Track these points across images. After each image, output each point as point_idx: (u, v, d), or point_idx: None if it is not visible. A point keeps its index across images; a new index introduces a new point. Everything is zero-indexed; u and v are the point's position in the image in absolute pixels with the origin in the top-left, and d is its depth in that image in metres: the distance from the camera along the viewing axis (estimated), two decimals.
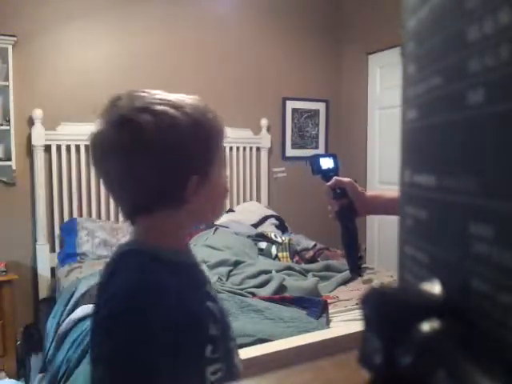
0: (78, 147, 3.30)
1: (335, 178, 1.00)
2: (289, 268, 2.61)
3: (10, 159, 3.06)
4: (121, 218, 3.46)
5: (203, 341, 0.67)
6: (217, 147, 0.73)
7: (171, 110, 0.67)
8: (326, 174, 1.02)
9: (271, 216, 3.64)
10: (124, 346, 0.60)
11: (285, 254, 3.00)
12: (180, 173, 0.69)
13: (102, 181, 0.73)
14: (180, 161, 0.68)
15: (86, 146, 3.34)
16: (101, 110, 0.71)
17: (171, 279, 0.67)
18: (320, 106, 4.27)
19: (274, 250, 3.02)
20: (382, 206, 1.00)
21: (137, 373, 0.59)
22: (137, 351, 0.59)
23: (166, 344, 0.61)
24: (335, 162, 1.04)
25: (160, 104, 0.67)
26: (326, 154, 1.06)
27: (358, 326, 1.23)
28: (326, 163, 1.04)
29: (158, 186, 0.68)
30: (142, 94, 0.69)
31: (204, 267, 2.25)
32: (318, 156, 1.05)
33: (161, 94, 0.69)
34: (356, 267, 1.01)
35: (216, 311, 0.73)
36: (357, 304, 2.12)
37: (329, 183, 1.00)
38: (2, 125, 3.05)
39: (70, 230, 3.19)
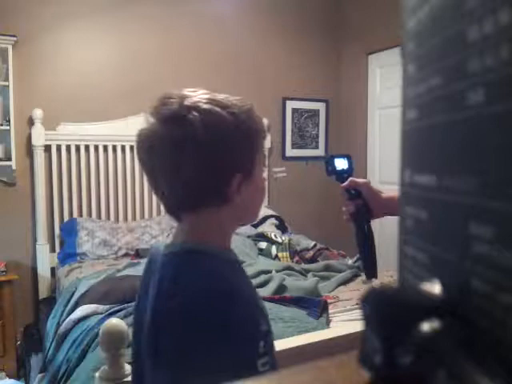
0: (77, 147, 3.31)
1: (350, 178, 0.99)
2: (289, 268, 2.61)
3: (10, 159, 3.06)
4: (121, 218, 3.46)
5: (259, 336, 0.69)
6: (259, 147, 0.77)
7: (219, 110, 0.70)
8: (340, 175, 1.01)
9: (271, 216, 3.64)
10: (214, 343, 0.62)
11: (285, 253, 3.00)
12: (225, 170, 0.71)
13: (147, 177, 0.75)
14: (226, 158, 0.71)
15: (86, 146, 3.34)
16: (150, 108, 0.73)
17: (237, 278, 0.72)
18: (320, 106, 4.27)
19: (274, 249, 3.02)
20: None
21: (218, 368, 0.60)
22: (226, 348, 0.62)
23: (242, 339, 0.65)
24: (349, 163, 1.03)
25: (208, 103, 0.70)
26: (341, 155, 1.05)
27: (357, 326, 1.23)
28: (341, 164, 1.03)
29: (204, 182, 0.71)
30: (191, 93, 0.72)
31: None
32: (332, 157, 1.04)
33: (209, 94, 0.73)
34: (372, 270, 0.99)
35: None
36: (357, 304, 2.12)
37: (344, 184, 0.99)
38: (1, 125, 3.05)
39: (70, 229, 3.19)
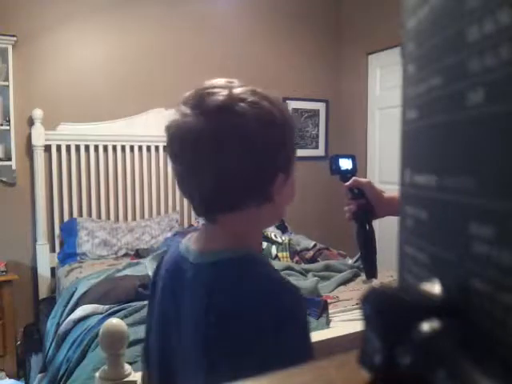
0: (77, 147, 3.31)
1: (354, 178, 0.99)
2: (289, 268, 2.61)
3: (10, 159, 3.06)
4: (121, 218, 3.46)
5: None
6: (295, 147, 0.73)
7: (266, 103, 0.66)
8: (344, 175, 1.02)
9: None
10: (292, 346, 0.62)
11: (285, 254, 3.00)
12: (272, 168, 0.68)
13: (178, 174, 0.69)
14: (275, 155, 0.67)
15: (86, 146, 3.34)
16: (185, 99, 0.67)
17: (285, 279, 0.70)
18: (320, 106, 4.27)
19: (273, 249, 3.02)
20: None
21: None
22: (300, 350, 0.62)
23: (308, 336, 0.66)
24: (353, 163, 1.04)
25: (255, 95, 0.66)
26: (345, 155, 1.05)
27: (357, 326, 1.23)
28: (345, 164, 1.03)
29: (251, 179, 0.66)
30: (234, 85, 0.67)
31: None
32: (337, 156, 1.04)
33: (248, 86, 0.68)
34: (372, 270, 1.00)
35: None
36: (357, 304, 2.12)
37: (347, 183, 0.99)
38: (2, 125, 3.05)
39: (70, 229, 3.19)
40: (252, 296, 0.64)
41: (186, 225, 3.66)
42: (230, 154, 0.64)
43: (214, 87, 0.66)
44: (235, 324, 0.63)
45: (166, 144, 0.70)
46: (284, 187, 0.70)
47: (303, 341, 0.64)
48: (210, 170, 0.66)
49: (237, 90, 0.65)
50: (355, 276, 2.57)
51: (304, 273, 2.61)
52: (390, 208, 0.98)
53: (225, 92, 0.65)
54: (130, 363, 1.10)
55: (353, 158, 1.05)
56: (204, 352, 0.65)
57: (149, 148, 3.53)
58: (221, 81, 0.68)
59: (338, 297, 2.28)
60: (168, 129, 0.69)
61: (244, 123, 0.64)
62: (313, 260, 3.00)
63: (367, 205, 0.98)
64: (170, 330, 0.74)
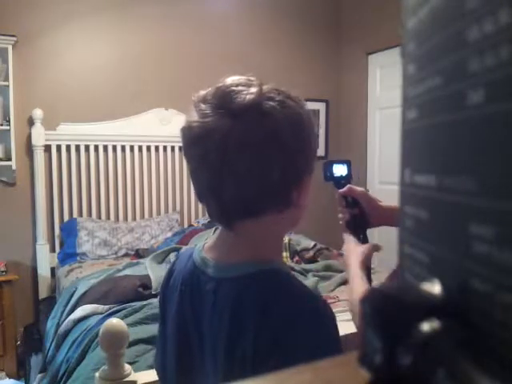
0: (77, 147, 3.31)
1: (348, 186, 0.96)
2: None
3: (10, 159, 3.06)
4: (121, 218, 3.46)
5: None
6: (316, 148, 0.69)
7: (292, 103, 0.63)
8: (338, 182, 0.99)
9: None
10: (324, 350, 0.60)
11: (285, 253, 3.00)
12: (299, 170, 0.64)
13: (197, 178, 0.65)
14: (300, 157, 0.63)
15: (86, 146, 3.34)
16: (203, 98, 0.63)
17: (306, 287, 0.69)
18: (320, 106, 4.27)
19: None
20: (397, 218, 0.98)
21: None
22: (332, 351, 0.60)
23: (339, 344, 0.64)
24: (348, 169, 1.01)
25: (280, 94, 0.63)
26: (340, 161, 1.02)
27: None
28: (339, 170, 1.00)
29: (279, 183, 0.62)
30: (257, 82, 0.63)
31: None
32: (331, 162, 1.01)
33: (270, 84, 0.64)
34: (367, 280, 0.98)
35: None
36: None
37: (341, 191, 0.96)
38: (2, 125, 3.05)
39: (70, 229, 3.19)
40: (288, 312, 0.62)
41: (186, 225, 3.66)
42: (257, 156, 0.60)
43: (238, 85, 0.62)
44: (284, 337, 0.60)
45: (183, 146, 0.66)
46: (306, 191, 0.67)
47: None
48: (234, 172, 0.61)
49: (263, 89, 0.62)
50: None
51: (304, 273, 2.61)
52: (385, 218, 0.95)
53: (252, 90, 0.61)
54: (130, 363, 1.10)
55: (348, 163, 1.02)
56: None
57: (149, 148, 3.53)
58: (241, 78, 0.64)
59: (337, 297, 2.27)
60: (187, 130, 0.64)
61: (273, 124, 0.60)
62: (313, 260, 3.00)
63: (361, 214, 0.95)
64: (190, 343, 0.71)
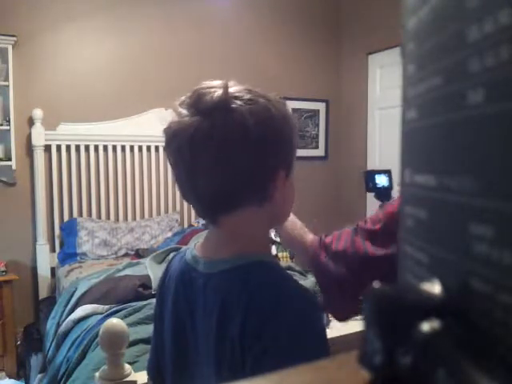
0: (77, 147, 3.31)
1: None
2: (289, 268, 2.61)
3: (10, 159, 3.06)
4: (121, 218, 3.46)
5: None
6: (296, 145, 0.73)
7: (263, 100, 0.67)
8: (380, 192, 0.99)
9: None
10: (318, 344, 0.63)
11: (285, 253, 3.00)
12: (272, 164, 0.68)
13: (178, 177, 0.69)
14: (272, 150, 0.67)
15: (86, 146, 3.34)
16: (182, 101, 0.68)
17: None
18: (320, 106, 4.28)
19: (273, 249, 3.01)
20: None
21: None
22: (323, 346, 0.64)
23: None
24: (389, 179, 1.01)
25: (250, 93, 0.67)
26: (381, 171, 1.02)
27: (358, 326, 1.23)
28: (381, 180, 1.00)
29: (252, 177, 0.66)
30: (230, 84, 0.67)
31: None
32: (373, 173, 1.01)
33: (245, 86, 0.68)
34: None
35: None
36: None
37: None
38: (2, 125, 3.05)
39: (70, 229, 3.20)
40: (273, 300, 0.64)
41: (186, 225, 3.66)
42: (230, 154, 0.64)
43: (210, 87, 0.66)
44: (269, 326, 0.62)
45: (164, 145, 0.70)
46: (284, 186, 0.70)
47: (321, 346, 0.64)
48: (207, 171, 0.66)
49: (232, 89, 0.66)
50: None
51: (304, 273, 2.61)
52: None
53: (220, 91, 0.65)
54: (130, 363, 1.10)
55: (388, 173, 1.01)
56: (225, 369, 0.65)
57: (149, 148, 3.53)
58: (217, 82, 0.68)
59: None
60: (165, 131, 0.69)
61: (239, 118, 0.64)
62: None
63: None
64: (187, 340, 0.73)
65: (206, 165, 0.65)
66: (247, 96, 0.66)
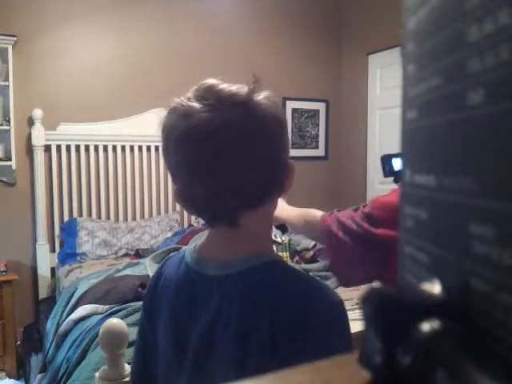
0: (77, 147, 3.31)
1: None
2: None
3: (10, 159, 3.06)
4: (121, 218, 3.46)
5: None
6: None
7: (269, 95, 0.68)
8: (399, 176, 0.99)
9: None
10: (345, 341, 0.63)
11: (285, 254, 3.00)
12: (286, 158, 0.69)
13: (189, 178, 0.65)
14: (286, 144, 0.69)
15: (86, 146, 3.34)
16: (193, 95, 0.66)
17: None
18: (320, 106, 4.28)
19: (273, 249, 3.02)
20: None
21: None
22: (349, 346, 0.63)
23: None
24: None
25: (260, 91, 0.67)
26: (398, 154, 1.01)
27: (357, 326, 1.23)
28: (399, 164, 0.99)
29: (272, 170, 0.66)
30: (236, 83, 0.69)
31: None
32: (390, 156, 0.98)
33: (242, 84, 0.69)
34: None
35: None
36: (357, 304, 2.12)
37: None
38: (2, 125, 3.05)
39: (70, 229, 3.19)
40: (301, 299, 0.64)
41: (186, 225, 3.66)
42: (256, 150, 0.64)
43: (219, 84, 0.66)
44: (303, 326, 0.62)
45: (164, 146, 0.68)
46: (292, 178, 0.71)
47: (346, 345, 0.63)
48: (233, 169, 0.63)
49: (236, 85, 0.67)
50: None
51: (304, 273, 2.61)
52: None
53: (238, 87, 0.66)
54: (130, 363, 1.10)
55: None
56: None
57: (149, 148, 3.53)
58: (220, 79, 0.68)
59: None
60: (173, 127, 0.67)
61: (262, 116, 0.64)
62: (313, 260, 2.99)
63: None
64: (190, 344, 0.70)
65: (231, 165, 0.63)
66: (264, 93, 0.67)
